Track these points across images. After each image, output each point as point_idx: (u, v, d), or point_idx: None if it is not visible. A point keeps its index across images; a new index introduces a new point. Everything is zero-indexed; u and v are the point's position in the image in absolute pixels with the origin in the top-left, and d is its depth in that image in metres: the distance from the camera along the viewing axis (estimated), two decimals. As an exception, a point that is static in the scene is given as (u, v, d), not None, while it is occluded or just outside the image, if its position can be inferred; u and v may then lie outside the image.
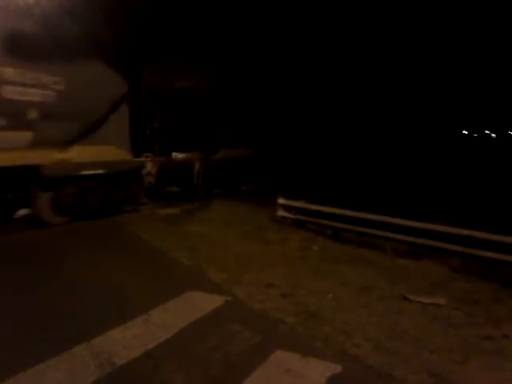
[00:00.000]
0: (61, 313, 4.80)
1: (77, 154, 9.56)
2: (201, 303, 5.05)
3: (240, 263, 6.65)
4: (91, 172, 9.79)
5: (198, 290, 5.44)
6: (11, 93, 8.07)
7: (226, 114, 14.36)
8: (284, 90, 17.91)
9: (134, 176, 11.23)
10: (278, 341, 4.12)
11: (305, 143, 19.43)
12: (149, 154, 11.83)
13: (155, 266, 6.71)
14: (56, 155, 9.17)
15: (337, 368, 3.68)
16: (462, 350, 4.02)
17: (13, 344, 4.03)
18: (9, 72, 8.00)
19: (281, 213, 9.08)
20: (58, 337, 4.16)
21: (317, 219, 8.26)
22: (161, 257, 7.18)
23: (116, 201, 10.80)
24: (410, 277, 5.91)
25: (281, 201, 9.12)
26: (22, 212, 9.63)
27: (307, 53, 19.23)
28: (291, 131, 18.54)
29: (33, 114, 8.48)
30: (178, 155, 13.10)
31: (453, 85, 36.24)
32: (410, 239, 6.76)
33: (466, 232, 6.07)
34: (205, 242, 7.95)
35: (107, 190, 10.42)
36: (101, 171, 9.97)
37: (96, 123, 9.97)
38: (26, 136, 8.52)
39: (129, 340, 4.10)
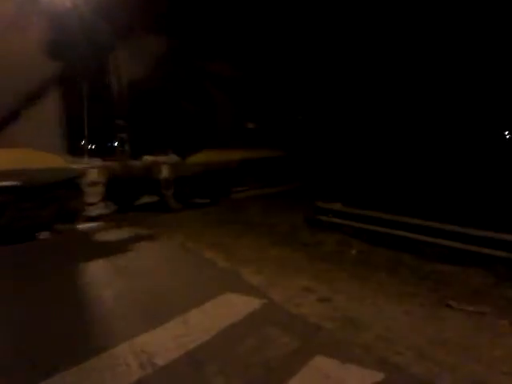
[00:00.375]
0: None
1: None
2: (238, 306, 5.07)
3: (276, 265, 6.65)
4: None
5: (234, 292, 5.47)
6: None
7: (215, 110, 13.00)
8: (314, 89, 17.69)
9: (69, 187, 9.15)
10: (318, 346, 4.08)
11: (339, 144, 19.12)
12: (97, 159, 10.10)
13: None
14: None
15: (378, 376, 3.60)
16: (509, 361, 3.86)
17: (52, 342, 4.18)
18: None
19: (316, 215, 9.01)
20: (97, 336, 4.29)
21: (353, 222, 8.16)
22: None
23: (41, 220, 8.69)
24: (453, 283, 5.73)
25: (317, 203, 9.05)
26: None
27: (341, 49, 18.87)
28: (324, 131, 18.33)
29: None
30: (148, 159, 11.48)
31: (494, 84, 35.00)
32: (451, 244, 6.59)
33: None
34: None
35: (24, 206, 8.32)
36: (10, 183, 7.84)
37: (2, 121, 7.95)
38: None
39: (169, 341, 4.16)
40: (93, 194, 9.68)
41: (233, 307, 5.03)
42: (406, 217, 7.56)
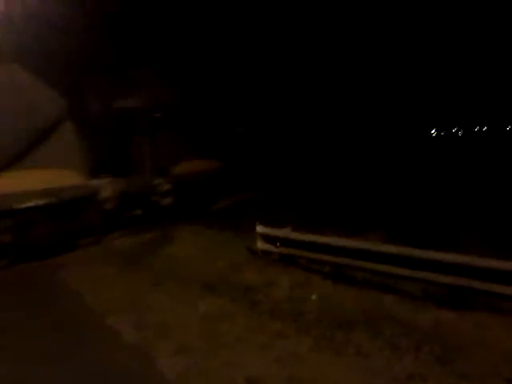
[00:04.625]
0: None
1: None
2: None
3: (207, 334, 4.50)
4: (30, 204, 7.92)
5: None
6: None
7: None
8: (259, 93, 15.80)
9: (88, 203, 9.35)
10: None
11: (286, 153, 16.97)
12: (108, 176, 9.97)
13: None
14: None
15: None
16: None
17: None
18: None
19: (261, 245, 6.94)
20: None
21: (309, 253, 6.15)
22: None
23: (67, 235, 8.86)
24: (468, 346, 3.84)
25: (260, 229, 6.98)
26: None
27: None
28: (268, 140, 16.29)
29: None
30: None
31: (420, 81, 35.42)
32: (447, 280, 4.74)
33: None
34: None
35: (54, 222, 8.53)
36: (44, 202, 8.16)
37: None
38: None
39: None
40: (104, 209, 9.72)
41: None
42: (377, 243, 5.75)
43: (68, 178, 8.88)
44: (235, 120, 14.93)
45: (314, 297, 5.28)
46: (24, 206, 7.89)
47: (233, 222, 9.96)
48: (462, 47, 33.86)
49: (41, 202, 8.17)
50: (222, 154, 13.75)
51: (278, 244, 6.63)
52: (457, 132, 66.86)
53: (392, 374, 3.50)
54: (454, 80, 40.42)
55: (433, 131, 63.20)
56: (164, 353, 4.17)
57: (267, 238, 6.87)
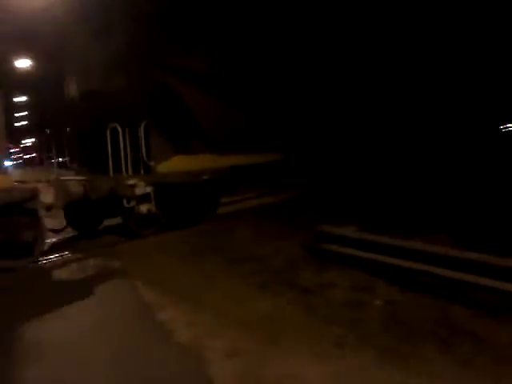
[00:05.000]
0: None
1: None
2: None
3: (262, 338, 4.29)
4: None
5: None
6: None
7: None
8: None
9: (20, 213, 7.29)
10: None
11: (352, 142, 15.83)
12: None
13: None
14: None
15: None
16: None
17: None
18: None
19: (320, 244, 6.64)
20: None
21: (375, 254, 5.77)
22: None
23: None
24: None
25: (320, 227, 6.69)
26: None
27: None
28: (331, 127, 15.28)
29: None
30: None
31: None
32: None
33: None
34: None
35: None
36: None
37: None
38: None
39: None
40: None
41: None
42: (448, 248, 5.27)
43: None
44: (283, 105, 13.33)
45: (377, 302, 4.93)
46: None
47: (290, 214, 9.66)
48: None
49: None
50: (279, 144, 12.88)
51: (340, 244, 6.31)
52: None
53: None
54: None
55: (503, 126, 57.70)
56: (216, 353, 4.01)
57: (327, 237, 6.55)
